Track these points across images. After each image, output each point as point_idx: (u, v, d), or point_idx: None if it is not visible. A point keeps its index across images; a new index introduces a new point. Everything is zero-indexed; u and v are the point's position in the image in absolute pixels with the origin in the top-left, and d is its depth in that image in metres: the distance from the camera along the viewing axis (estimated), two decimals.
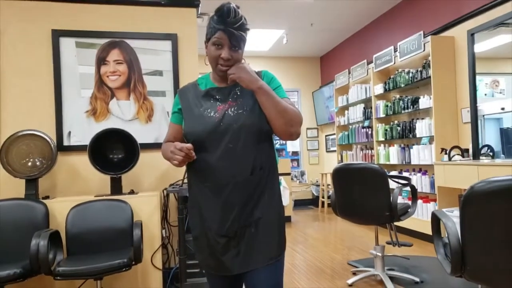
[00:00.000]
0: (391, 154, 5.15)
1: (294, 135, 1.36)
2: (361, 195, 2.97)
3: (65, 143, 3.13)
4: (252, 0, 5.04)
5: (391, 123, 5.24)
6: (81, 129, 3.17)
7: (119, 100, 3.25)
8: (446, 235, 1.82)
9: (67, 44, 3.17)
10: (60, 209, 2.74)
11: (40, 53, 3.15)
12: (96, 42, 3.21)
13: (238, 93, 1.40)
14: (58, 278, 2.27)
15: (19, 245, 2.54)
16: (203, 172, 1.37)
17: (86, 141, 3.03)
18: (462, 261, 1.73)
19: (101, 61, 3.22)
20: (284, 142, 7.73)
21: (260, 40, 6.74)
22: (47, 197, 2.89)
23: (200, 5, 3.47)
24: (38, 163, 2.84)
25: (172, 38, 3.34)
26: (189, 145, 1.27)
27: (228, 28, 1.30)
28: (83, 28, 3.21)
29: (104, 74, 3.22)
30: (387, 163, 5.23)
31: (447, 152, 4.02)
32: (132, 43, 3.27)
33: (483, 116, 4.03)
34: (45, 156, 2.84)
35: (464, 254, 1.72)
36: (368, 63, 5.86)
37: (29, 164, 2.83)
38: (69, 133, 3.15)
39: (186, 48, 3.41)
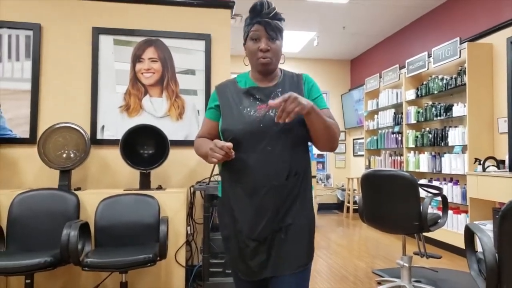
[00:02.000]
0: (421, 162, 5.01)
1: (334, 149, 1.39)
2: (390, 203, 2.90)
3: (98, 136, 3.22)
4: (284, 2, 5.02)
5: (422, 130, 5.10)
6: (114, 124, 3.25)
7: (152, 97, 3.31)
8: (481, 250, 1.75)
9: (105, 42, 3.26)
10: (90, 200, 2.81)
11: (80, 49, 3.25)
12: (133, 40, 3.29)
13: (279, 95, 1.38)
14: (86, 269, 2.32)
15: (50, 234, 2.63)
16: (239, 172, 1.34)
17: (118, 136, 3.10)
18: (498, 280, 1.65)
19: (136, 58, 3.29)
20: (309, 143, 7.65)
21: (290, 42, 6.71)
22: (78, 189, 2.98)
23: (234, 6, 3.49)
24: (72, 155, 2.92)
25: (206, 38, 3.38)
26: (229, 144, 1.23)
27: (264, 19, 1.31)
28: (121, 26, 3.30)
29: (139, 71, 3.29)
30: (417, 170, 5.09)
31: (481, 162, 3.87)
32: (167, 42, 3.33)
33: None
34: (79, 148, 2.92)
35: (500, 272, 1.64)
36: (400, 68, 5.73)
37: (64, 155, 2.91)
38: (103, 127, 3.23)
39: (219, 48, 3.44)
